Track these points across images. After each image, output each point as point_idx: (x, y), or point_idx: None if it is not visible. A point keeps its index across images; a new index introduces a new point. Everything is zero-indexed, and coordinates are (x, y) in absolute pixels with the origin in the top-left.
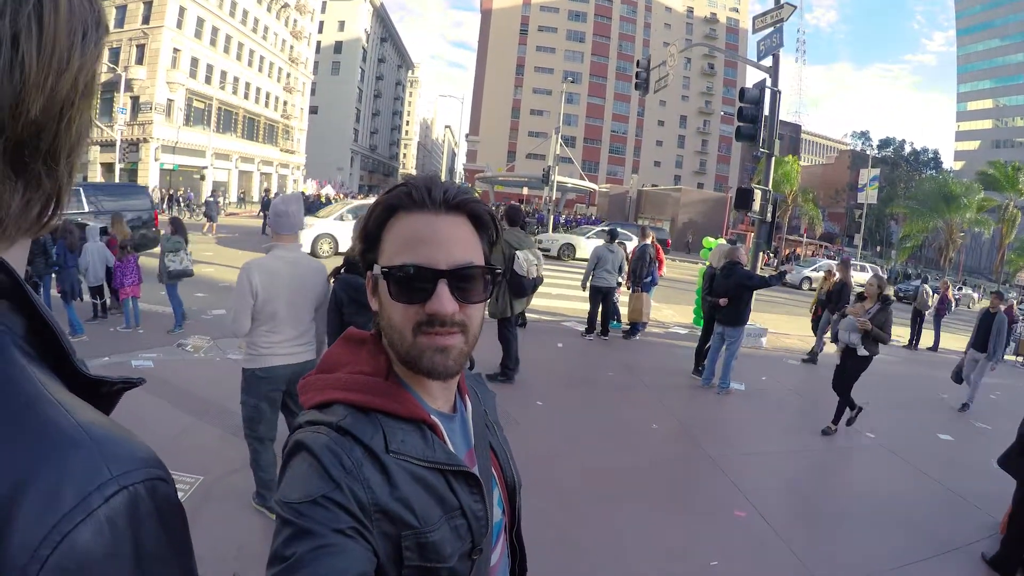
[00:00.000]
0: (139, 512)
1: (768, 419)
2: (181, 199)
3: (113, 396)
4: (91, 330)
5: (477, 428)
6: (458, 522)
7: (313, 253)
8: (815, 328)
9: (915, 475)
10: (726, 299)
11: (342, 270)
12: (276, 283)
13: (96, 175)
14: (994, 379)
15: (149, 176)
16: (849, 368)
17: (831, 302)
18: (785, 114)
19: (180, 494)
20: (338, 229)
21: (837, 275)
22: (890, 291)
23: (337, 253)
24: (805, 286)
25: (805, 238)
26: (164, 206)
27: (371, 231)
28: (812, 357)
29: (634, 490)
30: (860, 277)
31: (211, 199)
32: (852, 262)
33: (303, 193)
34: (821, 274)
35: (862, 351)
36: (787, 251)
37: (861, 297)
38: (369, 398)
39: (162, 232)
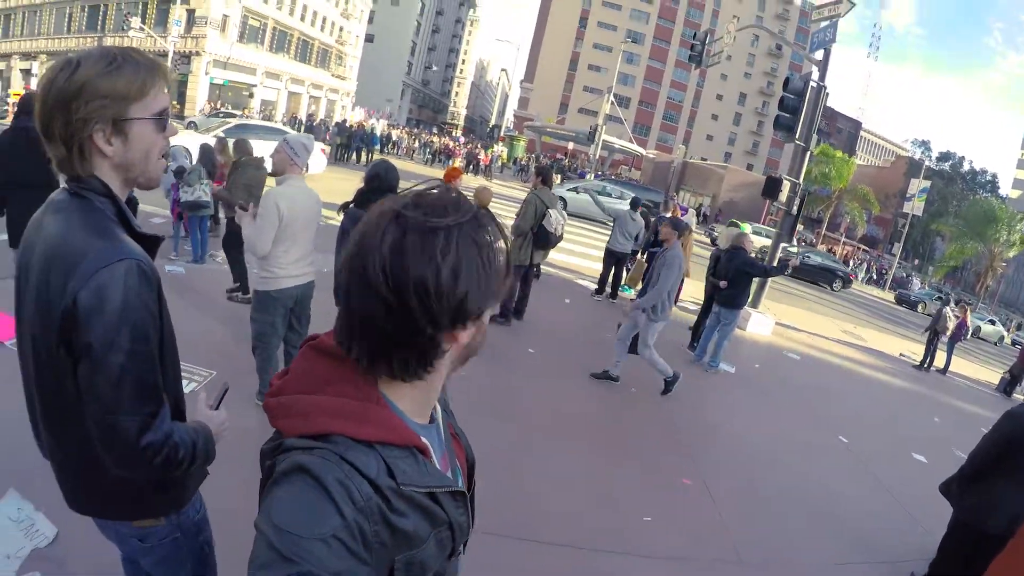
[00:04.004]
0: (131, 269)
1: (747, 403)
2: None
3: (153, 245)
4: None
5: (444, 425)
6: (444, 535)
7: None
8: None
9: (874, 485)
10: (726, 282)
11: (351, 204)
12: (295, 208)
13: None
14: (989, 411)
15: (199, 89)
16: None
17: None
18: (847, 108)
19: (194, 384)
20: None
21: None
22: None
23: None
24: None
25: (844, 237)
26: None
27: None
28: None
29: (595, 440)
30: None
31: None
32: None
33: (344, 120)
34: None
35: None
36: (825, 248)
37: None
38: (369, 430)
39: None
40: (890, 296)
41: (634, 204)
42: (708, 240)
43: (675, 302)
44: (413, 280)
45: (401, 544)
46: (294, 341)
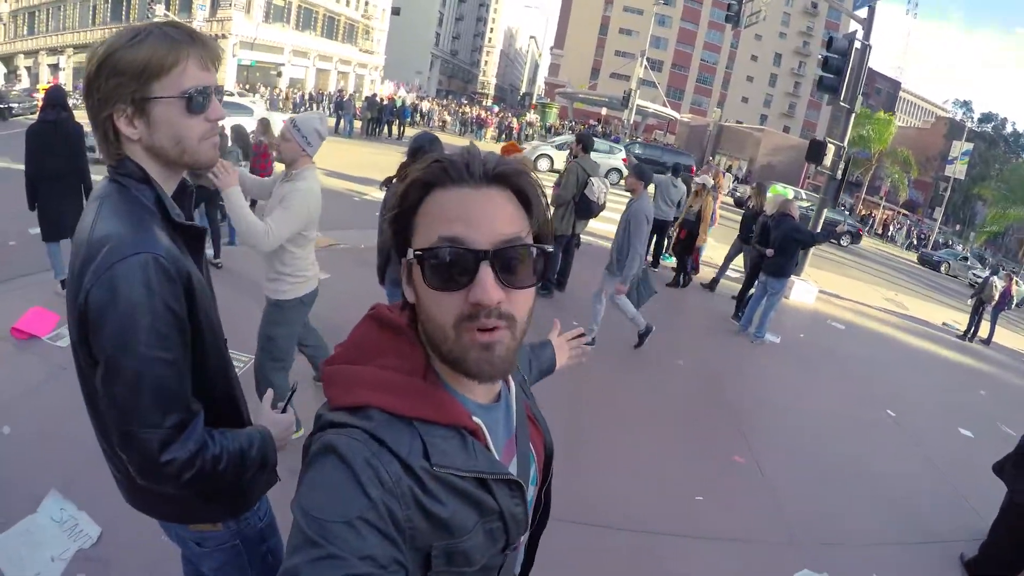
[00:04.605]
0: (147, 264)
1: (794, 375)
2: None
3: (197, 236)
4: None
5: (518, 406)
6: (494, 526)
7: None
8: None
9: (922, 461)
10: (772, 250)
11: (394, 179)
12: (318, 206)
13: None
14: None
15: (227, 72)
16: None
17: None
18: (886, 68)
19: (236, 368)
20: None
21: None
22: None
23: None
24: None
25: (884, 202)
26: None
27: (404, 212)
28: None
29: (643, 417)
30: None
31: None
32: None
33: (374, 95)
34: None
35: None
36: (864, 212)
37: None
38: (407, 404)
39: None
40: (913, 256)
41: (675, 170)
42: (732, 201)
43: (696, 268)
44: None
45: (439, 531)
46: (310, 339)
